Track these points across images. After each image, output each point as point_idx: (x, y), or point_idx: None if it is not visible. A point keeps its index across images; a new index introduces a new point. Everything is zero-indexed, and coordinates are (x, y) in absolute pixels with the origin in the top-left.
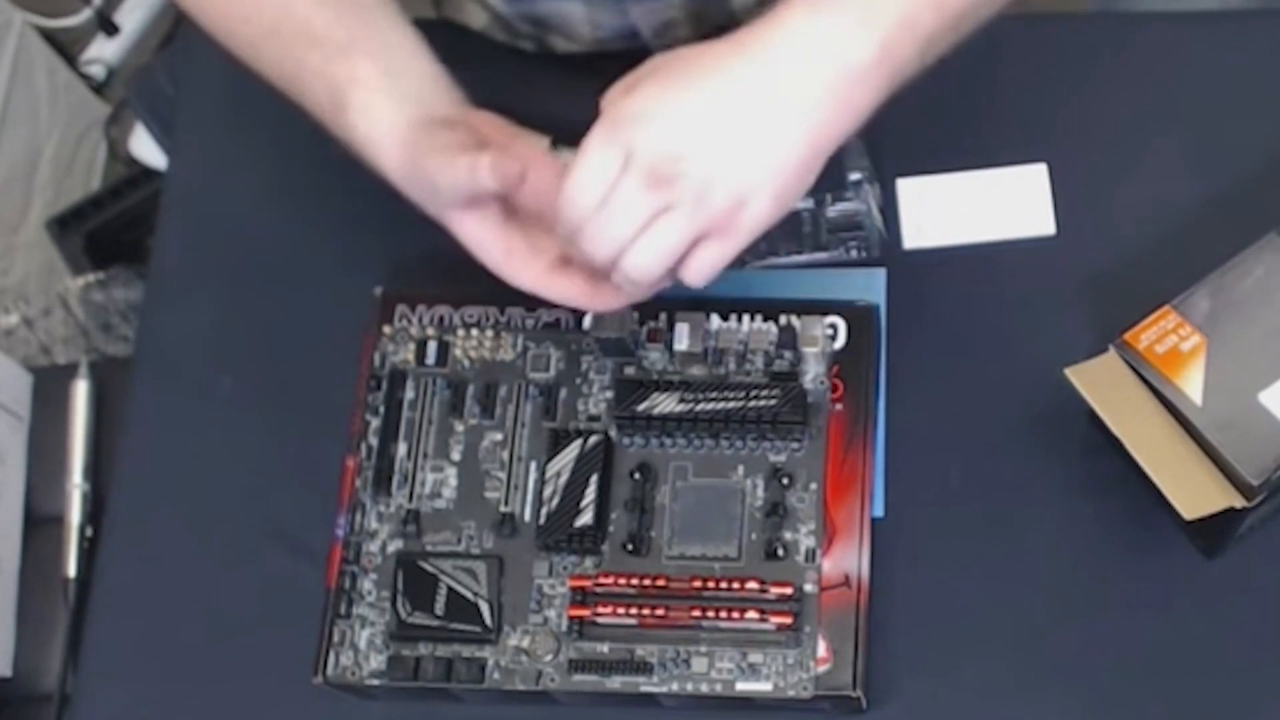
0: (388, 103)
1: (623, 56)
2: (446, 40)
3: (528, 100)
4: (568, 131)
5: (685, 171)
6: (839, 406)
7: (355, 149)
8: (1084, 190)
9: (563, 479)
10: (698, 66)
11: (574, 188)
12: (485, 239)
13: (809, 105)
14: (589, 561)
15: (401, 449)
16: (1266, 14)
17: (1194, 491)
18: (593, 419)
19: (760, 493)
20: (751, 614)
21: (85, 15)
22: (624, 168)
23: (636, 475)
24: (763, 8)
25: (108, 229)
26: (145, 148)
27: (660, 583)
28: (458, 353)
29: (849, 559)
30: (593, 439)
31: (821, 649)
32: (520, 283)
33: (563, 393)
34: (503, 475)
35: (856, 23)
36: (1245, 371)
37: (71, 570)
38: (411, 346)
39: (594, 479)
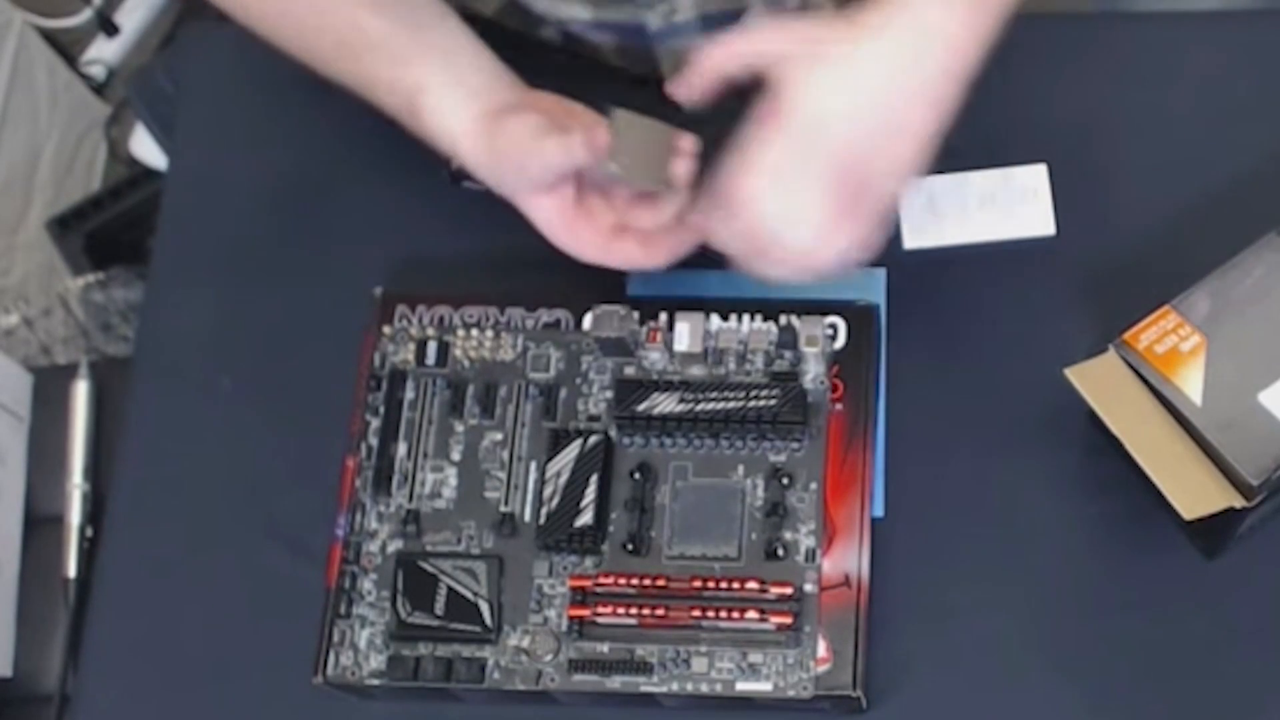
0: (456, 102)
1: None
2: None
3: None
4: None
5: (867, 177)
6: (839, 406)
7: (438, 146)
8: (1084, 190)
9: (563, 479)
10: (852, 63)
11: (759, 190)
12: (556, 218)
13: (931, 87)
14: (589, 561)
15: (401, 449)
16: (1266, 14)
17: (1194, 491)
18: (593, 419)
19: (760, 493)
20: (751, 614)
21: (85, 15)
22: (806, 172)
23: (636, 475)
24: None
25: (108, 229)
26: (145, 148)
27: (660, 583)
28: (458, 353)
29: (849, 559)
30: (593, 439)
31: (821, 649)
32: (585, 255)
33: (563, 393)
34: (503, 475)
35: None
36: (1245, 371)
37: (71, 570)
38: (411, 346)
39: (594, 479)
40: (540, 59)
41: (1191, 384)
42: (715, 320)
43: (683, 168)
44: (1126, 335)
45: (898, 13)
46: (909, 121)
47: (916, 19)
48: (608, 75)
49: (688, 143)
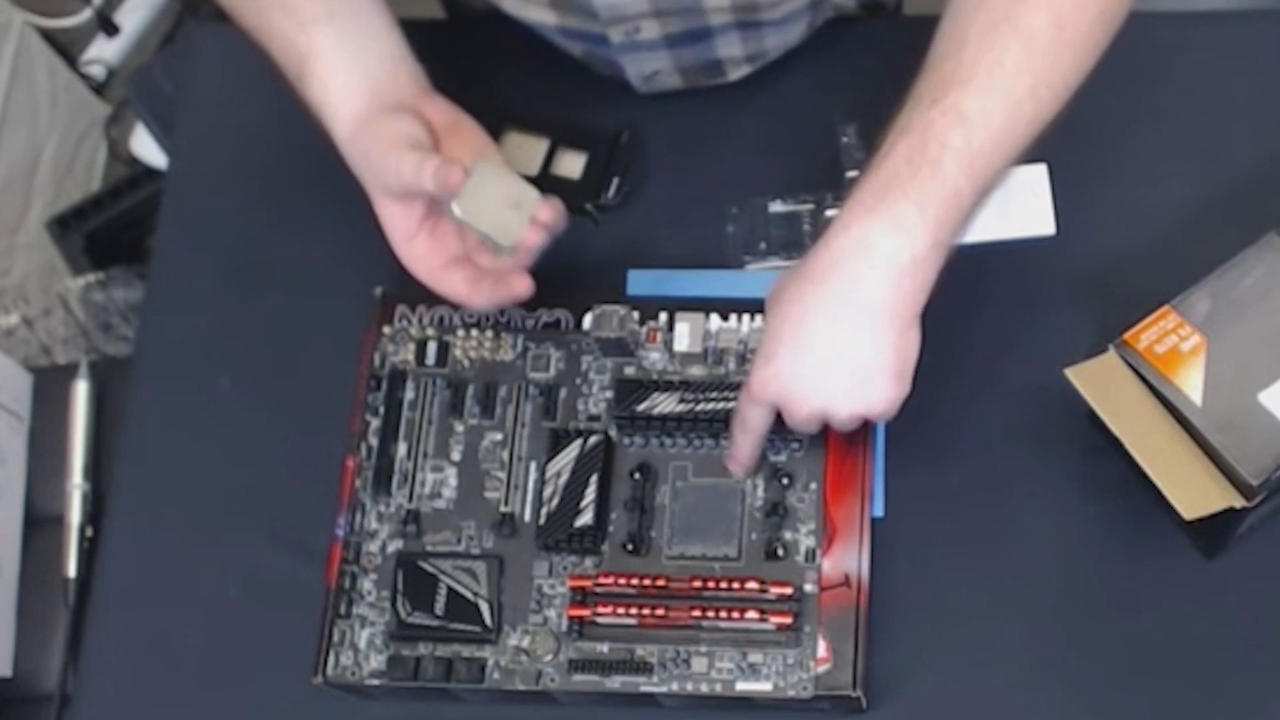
0: (345, 82)
1: None
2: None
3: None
4: (560, 123)
5: (811, 413)
6: None
7: (313, 113)
8: (1084, 190)
9: (563, 479)
10: (787, 321)
11: (739, 425)
12: (398, 229)
13: (879, 308)
14: (589, 561)
15: (401, 449)
16: (1266, 14)
17: (1194, 491)
18: (593, 419)
19: (760, 493)
20: (751, 614)
21: (85, 15)
22: (773, 412)
23: (636, 475)
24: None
25: (108, 229)
26: (146, 147)
27: (660, 583)
28: (458, 353)
29: (849, 559)
30: (593, 439)
31: (821, 649)
32: (414, 271)
33: (563, 393)
34: (503, 475)
35: (912, 211)
36: (1245, 371)
37: (71, 570)
38: (411, 346)
39: (594, 479)
40: (511, 43)
41: (1191, 384)
42: (715, 320)
43: (532, 239)
44: (1126, 335)
45: (840, 249)
46: (859, 354)
47: (860, 250)
48: (610, 78)
49: (546, 213)
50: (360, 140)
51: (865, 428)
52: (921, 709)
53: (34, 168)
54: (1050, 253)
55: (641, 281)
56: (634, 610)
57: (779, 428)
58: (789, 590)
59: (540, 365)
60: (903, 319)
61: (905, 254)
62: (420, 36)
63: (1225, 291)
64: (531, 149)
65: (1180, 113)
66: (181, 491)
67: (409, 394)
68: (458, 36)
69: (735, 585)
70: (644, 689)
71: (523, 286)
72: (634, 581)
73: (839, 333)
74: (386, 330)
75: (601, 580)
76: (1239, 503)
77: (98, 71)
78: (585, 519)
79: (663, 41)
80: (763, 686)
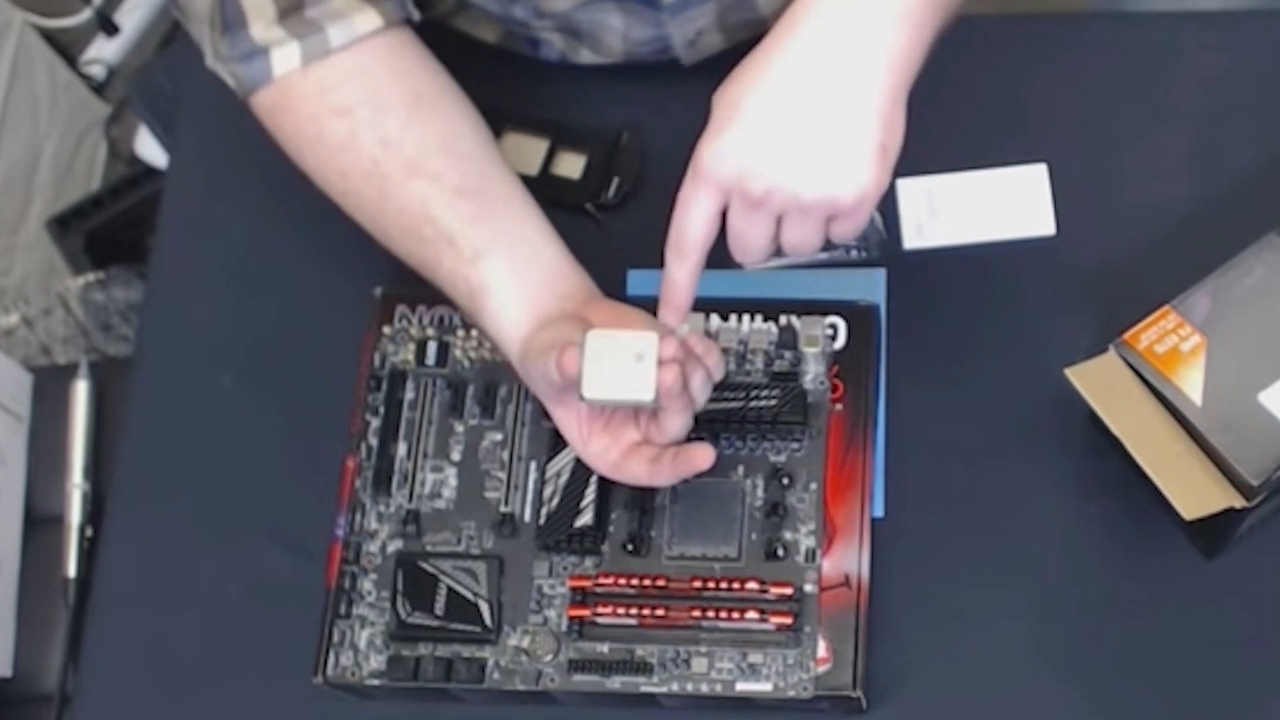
0: (515, 311)
1: (647, 67)
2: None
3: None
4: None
5: (770, 189)
6: (839, 406)
7: (490, 340)
8: (1084, 190)
9: (563, 479)
10: (752, 84)
11: (676, 231)
12: (573, 432)
13: (857, 73)
14: (589, 561)
15: (401, 449)
16: (1266, 14)
17: (1194, 491)
18: None
19: (760, 493)
20: (751, 614)
21: (85, 15)
22: (720, 201)
23: None
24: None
25: (108, 229)
26: (149, 146)
27: (660, 583)
28: (458, 353)
29: (849, 559)
30: None
31: (821, 649)
32: (598, 467)
33: None
34: (503, 475)
35: None
36: (1245, 371)
37: (71, 570)
38: (411, 346)
39: (594, 479)
40: (540, 78)
41: (1191, 384)
42: (715, 320)
43: (668, 377)
44: (1126, 335)
45: (806, 17)
46: (837, 128)
47: (829, 12)
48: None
49: (669, 350)
50: (527, 359)
51: (865, 428)
52: (921, 709)
53: (34, 167)
54: (1050, 253)
55: (641, 281)
56: (634, 610)
57: (776, 428)
58: (789, 590)
59: None
60: (893, 80)
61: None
62: (420, 37)
63: (1225, 291)
64: (531, 149)
65: (1180, 113)
66: (181, 491)
67: (409, 394)
68: (457, 36)
69: (735, 585)
70: (644, 689)
71: (704, 456)
72: (634, 581)
73: (815, 90)
74: (386, 330)
75: (601, 580)
76: (1239, 503)
77: (98, 71)
78: (585, 519)
79: None
80: (763, 687)
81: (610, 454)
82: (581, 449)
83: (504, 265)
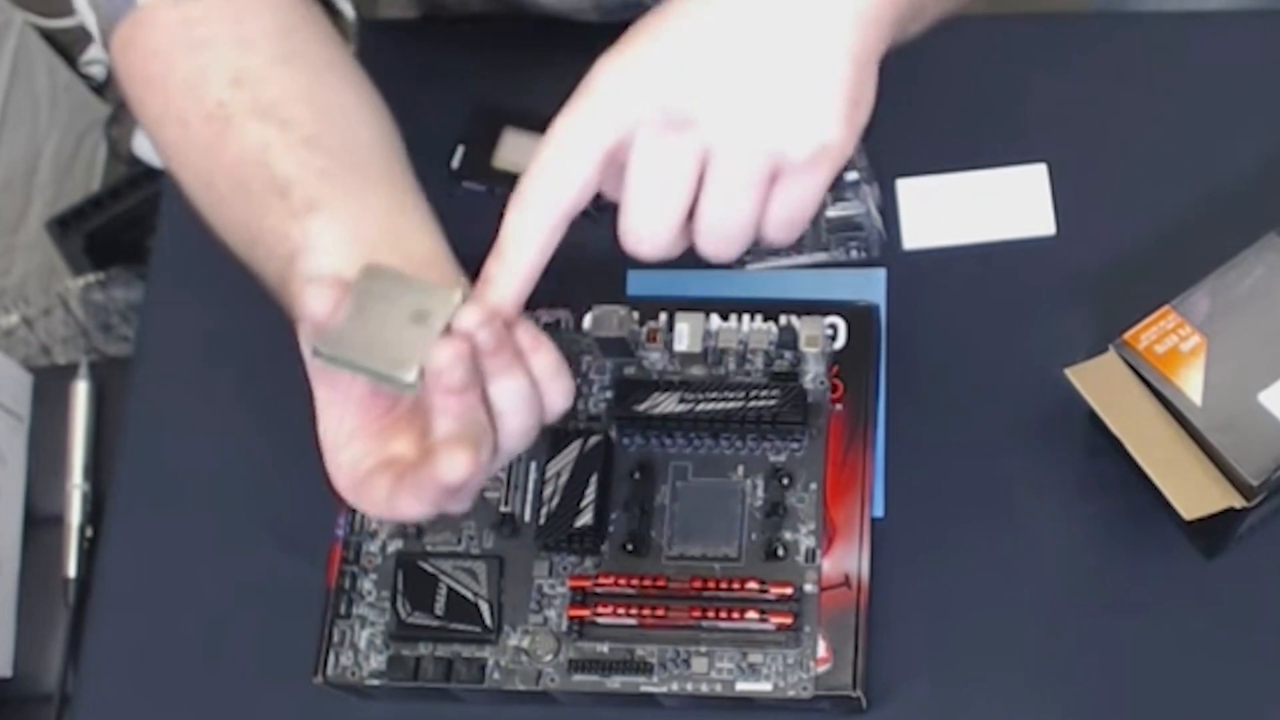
0: (333, 271)
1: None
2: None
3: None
4: None
5: (696, 111)
6: (839, 406)
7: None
8: (1084, 190)
9: (563, 479)
10: (686, 5)
11: (536, 169)
12: (329, 415)
13: (833, 5)
14: (589, 561)
15: None
16: (1266, 14)
17: (1194, 491)
18: (593, 419)
19: (760, 493)
20: (751, 614)
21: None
22: (614, 133)
23: (636, 475)
24: None
25: (108, 229)
26: (147, 147)
27: (660, 583)
28: None
29: (849, 559)
30: (593, 439)
31: (821, 649)
32: (336, 481)
33: None
34: (503, 475)
35: None
36: (1245, 371)
37: (71, 570)
38: None
39: (594, 479)
40: (511, 42)
41: (1191, 384)
42: (715, 320)
43: (443, 355)
44: (1126, 335)
45: None
46: (781, 47)
47: None
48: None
49: (471, 317)
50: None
51: (865, 428)
52: (921, 709)
53: (34, 168)
54: (1050, 253)
55: (641, 281)
56: (634, 610)
57: (776, 428)
58: (789, 590)
59: None
60: (865, 33)
61: None
62: (419, 36)
63: (1225, 291)
64: (531, 149)
65: (1180, 113)
66: (181, 491)
67: None
68: (456, 36)
69: (735, 585)
70: (644, 689)
71: (449, 465)
72: (634, 582)
73: (777, 12)
74: None
75: (601, 580)
76: (1239, 503)
77: (98, 71)
78: (585, 519)
79: None
80: (763, 686)
81: (361, 465)
82: (330, 454)
83: (339, 226)
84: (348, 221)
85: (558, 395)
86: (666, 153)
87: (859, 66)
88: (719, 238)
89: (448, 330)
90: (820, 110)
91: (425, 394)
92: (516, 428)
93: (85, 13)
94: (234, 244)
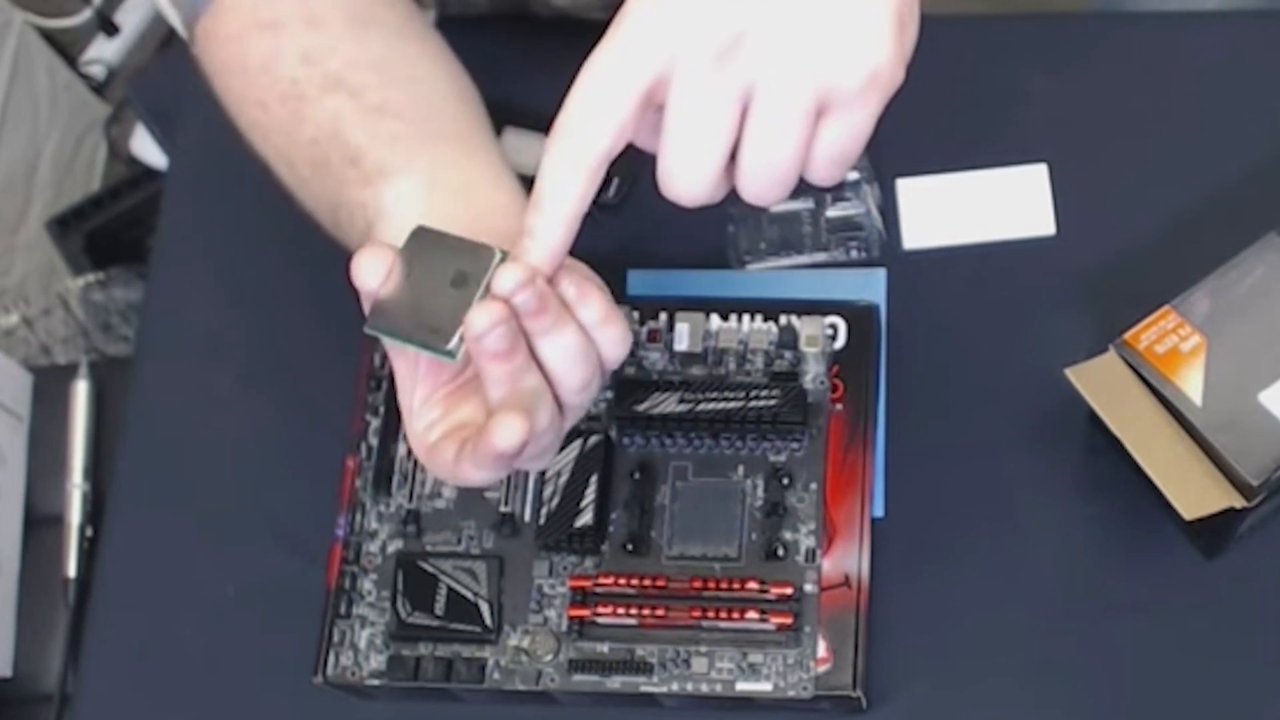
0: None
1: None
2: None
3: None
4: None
5: (744, 35)
6: (839, 406)
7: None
8: (1084, 190)
9: (563, 479)
10: None
11: (567, 117)
12: (405, 388)
13: None
14: (589, 561)
15: (401, 449)
16: (1266, 14)
17: (1194, 491)
18: (593, 419)
19: (760, 493)
20: (751, 614)
21: (85, 15)
22: (654, 70)
23: (636, 475)
24: None
25: (108, 229)
26: (146, 147)
27: (660, 583)
28: None
29: (849, 559)
30: (593, 439)
31: (821, 649)
32: (416, 451)
33: None
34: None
35: None
36: (1245, 371)
37: (71, 570)
38: None
39: (594, 479)
40: (511, 42)
41: (1191, 384)
42: (715, 320)
43: (483, 320)
44: (1126, 335)
45: None
46: None
47: None
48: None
49: (510, 278)
50: None
51: (865, 428)
52: (921, 709)
53: (34, 168)
54: (1050, 253)
55: (641, 281)
56: (634, 610)
57: (776, 428)
58: (789, 590)
59: None
60: None
61: None
62: None
63: (1225, 291)
64: (531, 149)
65: (1180, 113)
66: (181, 491)
67: None
68: (456, 36)
69: (735, 585)
70: (644, 689)
71: (502, 434)
72: (634, 581)
73: None
74: None
75: (601, 580)
76: (1239, 503)
77: (98, 71)
78: (585, 519)
79: None
80: (763, 686)
81: (430, 435)
82: (408, 422)
83: (410, 189)
84: (418, 183)
85: (613, 344)
86: (709, 87)
87: None
88: (764, 179)
89: (488, 292)
90: (868, 33)
91: (470, 360)
92: (574, 384)
93: (168, 11)
94: (324, 223)
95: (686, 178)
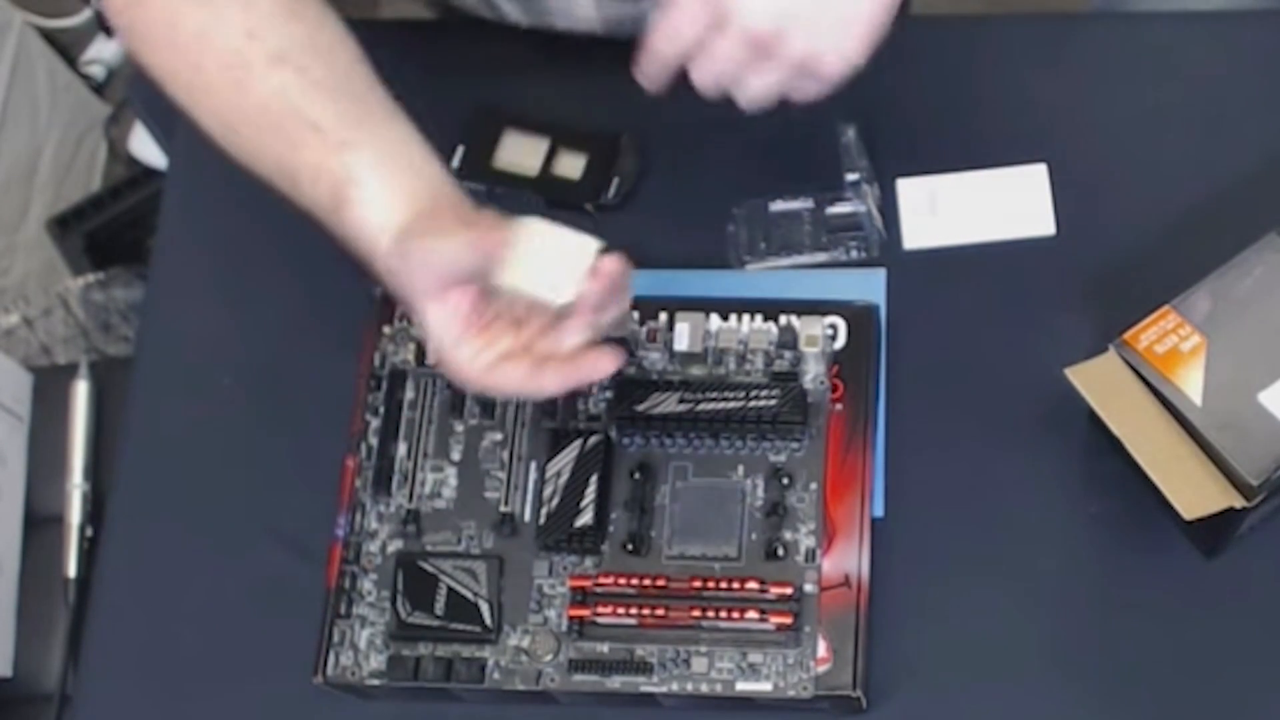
0: (388, 200)
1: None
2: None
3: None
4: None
5: (782, 31)
6: (839, 406)
7: (350, 240)
8: (1084, 190)
9: (563, 479)
10: None
11: (664, 31)
12: (445, 330)
13: None
14: (589, 561)
15: (401, 449)
16: (1266, 14)
17: (1194, 491)
18: (593, 419)
19: (760, 493)
20: (751, 614)
21: (85, 15)
22: (718, 26)
23: (636, 475)
24: None
25: (108, 229)
26: (145, 148)
27: (660, 583)
28: None
29: (849, 559)
30: (593, 439)
31: (821, 649)
32: (466, 377)
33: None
34: (503, 475)
35: None
36: (1245, 371)
37: (71, 570)
38: (411, 346)
39: (594, 479)
40: (511, 43)
41: (1191, 384)
42: (715, 320)
43: (597, 287)
44: (1126, 335)
45: None
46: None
47: None
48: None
49: (610, 264)
50: (410, 241)
51: (865, 428)
52: (921, 709)
53: (34, 168)
54: (1050, 253)
55: (641, 281)
56: (634, 610)
57: (776, 428)
58: (789, 590)
59: None
60: None
61: None
62: (420, 37)
63: (1225, 291)
64: (531, 149)
65: (1180, 113)
66: (181, 491)
67: (409, 394)
68: (456, 36)
69: (735, 585)
70: (644, 689)
71: (610, 360)
72: (634, 581)
73: None
74: (386, 330)
75: (601, 580)
76: (1239, 503)
77: (98, 71)
78: (585, 519)
79: None
80: (763, 686)
81: (482, 358)
82: (450, 351)
83: (372, 155)
84: (380, 154)
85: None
86: (732, 52)
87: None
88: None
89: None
90: (857, 37)
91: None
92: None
93: None
94: (264, 173)
95: (653, 53)
